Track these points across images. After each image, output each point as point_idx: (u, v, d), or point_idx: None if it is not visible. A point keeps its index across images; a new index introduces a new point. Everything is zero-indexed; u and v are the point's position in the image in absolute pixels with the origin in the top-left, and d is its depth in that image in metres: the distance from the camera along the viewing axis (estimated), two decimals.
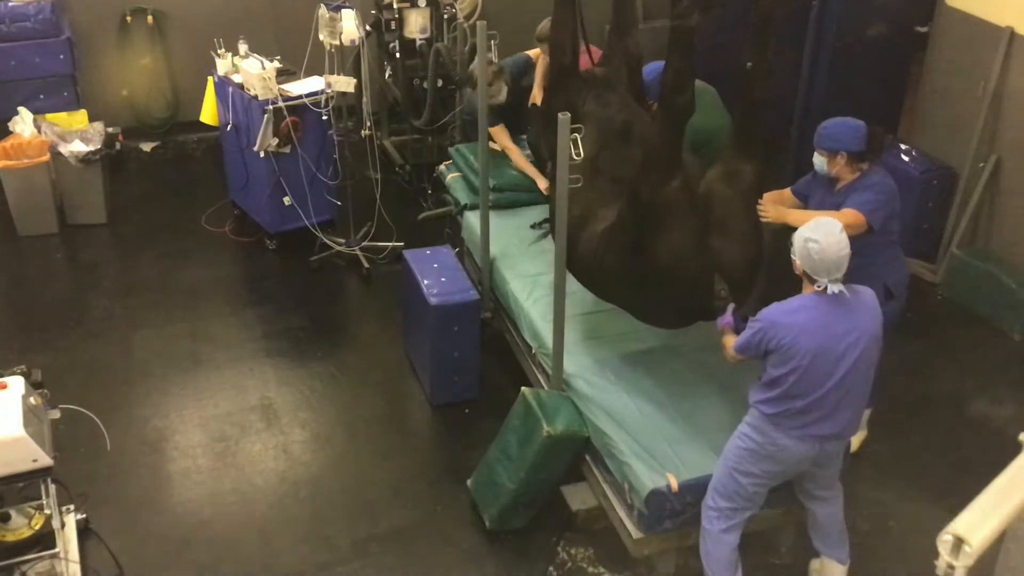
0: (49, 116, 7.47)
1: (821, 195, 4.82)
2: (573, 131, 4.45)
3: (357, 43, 6.50)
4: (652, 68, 5.42)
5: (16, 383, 4.12)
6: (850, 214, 4.58)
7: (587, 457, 4.84)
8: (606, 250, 4.65)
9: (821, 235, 3.83)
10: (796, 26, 7.17)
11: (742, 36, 4.21)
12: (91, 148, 7.20)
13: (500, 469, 4.80)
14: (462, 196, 6.51)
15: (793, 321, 3.89)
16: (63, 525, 4.37)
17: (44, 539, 4.20)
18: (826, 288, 3.82)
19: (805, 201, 4.89)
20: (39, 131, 7.25)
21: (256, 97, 6.58)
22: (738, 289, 4.41)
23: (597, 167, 4.91)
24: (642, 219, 4.37)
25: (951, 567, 3.05)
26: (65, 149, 7.16)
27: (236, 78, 6.83)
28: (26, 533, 4.18)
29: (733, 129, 4.54)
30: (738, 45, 4.23)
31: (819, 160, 4.75)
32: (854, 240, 4.54)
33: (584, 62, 5.66)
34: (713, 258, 4.37)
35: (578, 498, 4.89)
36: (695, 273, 4.38)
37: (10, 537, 4.16)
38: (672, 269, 4.37)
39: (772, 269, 4.41)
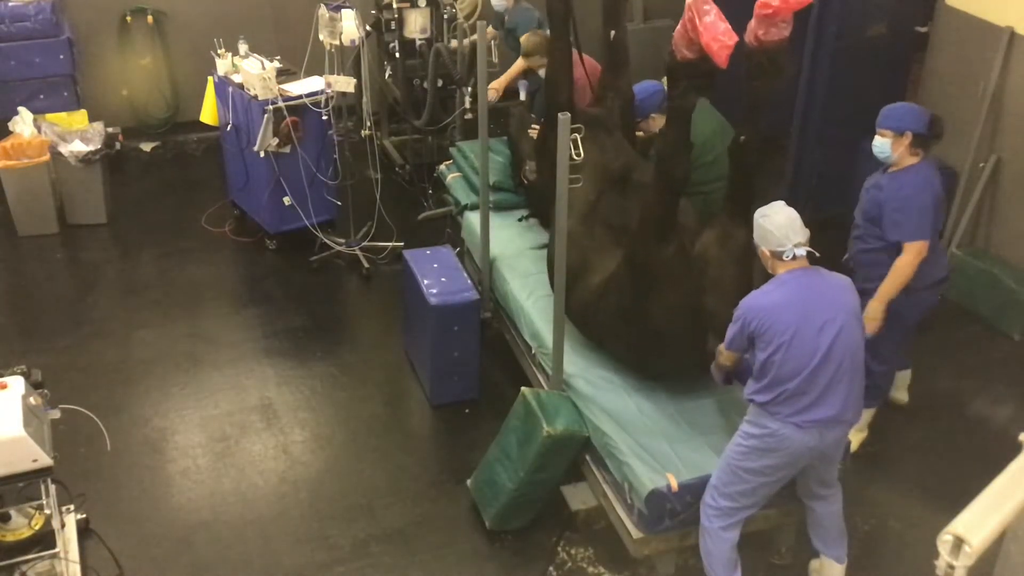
0: (49, 116, 7.47)
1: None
2: (573, 131, 4.48)
3: (357, 43, 6.50)
4: (643, 88, 5.52)
5: (16, 383, 4.12)
6: (907, 254, 4.77)
7: (587, 457, 4.84)
8: (601, 304, 4.82)
9: (767, 208, 4.08)
10: (796, 26, 7.16)
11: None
12: (91, 148, 7.20)
13: (500, 469, 4.80)
14: (462, 196, 6.51)
15: (769, 300, 4.00)
16: (63, 525, 4.37)
17: (44, 539, 4.20)
18: (794, 256, 3.96)
19: None
20: (39, 131, 7.25)
21: (256, 97, 6.58)
22: None
23: (593, 214, 5.12)
24: (638, 281, 4.54)
25: (951, 567, 3.05)
26: (65, 149, 7.16)
27: (236, 78, 6.83)
28: (26, 533, 4.18)
29: (727, 196, 4.67)
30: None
31: (881, 142, 4.86)
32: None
33: (579, 74, 5.73)
34: (706, 317, 4.51)
35: (578, 498, 4.89)
36: (688, 331, 4.56)
37: (10, 537, 4.16)
38: (666, 327, 4.55)
39: None
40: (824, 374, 3.95)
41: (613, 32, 5.54)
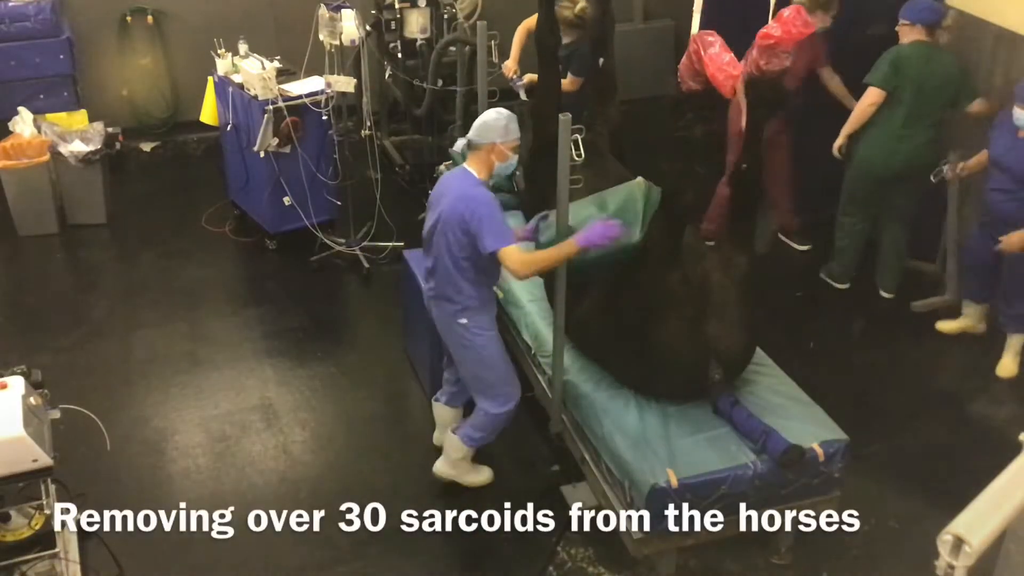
0: (49, 116, 7.47)
1: (1005, 143, 5.61)
2: (574, 131, 4.49)
3: (357, 43, 6.50)
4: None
5: (16, 383, 4.12)
6: None
7: (587, 457, 4.84)
8: (600, 328, 4.83)
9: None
10: None
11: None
12: (91, 148, 7.20)
13: None
14: None
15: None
16: (63, 525, 4.37)
17: (44, 539, 4.19)
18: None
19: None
20: (39, 131, 7.25)
21: (256, 97, 6.59)
22: (731, 372, 4.61)
23: None
24: (640, 308, 4.56)
25: (951, 567, 3.05)
26: (65, 149, 7.16)
27: (236, 78, 6.83)
28: (26, 533, 4.17)
29: (728, 222, 4.74)
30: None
31: (1019, 113, 5.46)
32: None
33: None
34: (709, 343, 4.53)
35: (578, 498, 4.89)
36: (691, 357, 4.56)
37: (10, 537, 4.16)
38: (667, 353, 4.55)
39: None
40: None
41: (602, 60, 5.58)
